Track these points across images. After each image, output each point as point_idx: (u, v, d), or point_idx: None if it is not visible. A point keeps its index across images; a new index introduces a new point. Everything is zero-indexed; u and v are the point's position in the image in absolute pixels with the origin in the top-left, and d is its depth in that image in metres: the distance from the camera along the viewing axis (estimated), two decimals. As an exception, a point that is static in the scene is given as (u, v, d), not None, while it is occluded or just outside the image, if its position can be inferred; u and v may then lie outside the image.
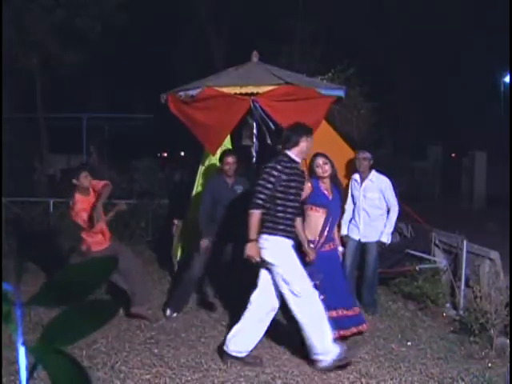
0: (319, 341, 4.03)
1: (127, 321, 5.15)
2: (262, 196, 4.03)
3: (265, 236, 4.10)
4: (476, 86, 19.91)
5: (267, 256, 4.08)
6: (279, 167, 4.06)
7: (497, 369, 4.22)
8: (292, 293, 4.03)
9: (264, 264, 4.14)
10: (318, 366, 4.09)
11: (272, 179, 4.03)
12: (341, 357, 4.04)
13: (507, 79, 22.40)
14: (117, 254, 5.11)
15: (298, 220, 4.40)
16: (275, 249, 4.11)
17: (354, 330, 4.70)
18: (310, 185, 4.73)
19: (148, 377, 3.98)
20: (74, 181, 5.13)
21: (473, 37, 18.77)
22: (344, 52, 11.50)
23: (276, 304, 4.23)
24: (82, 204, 5.12)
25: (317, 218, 4.73)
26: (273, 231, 4.10)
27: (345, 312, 4.66)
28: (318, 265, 4.53)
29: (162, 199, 8.91)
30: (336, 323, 4.41)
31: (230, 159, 5.37)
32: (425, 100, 20.51)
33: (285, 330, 4.75)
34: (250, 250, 4.04)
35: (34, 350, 0.74)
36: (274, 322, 4.38)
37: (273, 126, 5.87)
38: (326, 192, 4.76)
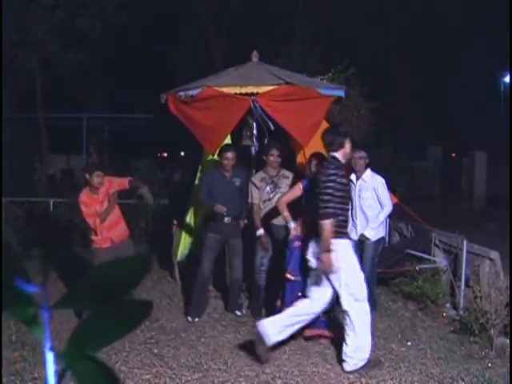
0: (359, 345, 4.13)
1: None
2: (331, 205, 4.10)
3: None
4: (476, 85, 19.91)
5: (333, 260, 4.13)
6: (340, 173, 4.16)
7: (497, 369, 4.22)
8: (351, 295, 4.12)
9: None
10: (346, 367, 4.17)
11: (338, 186, 4.12)
12: (367, 363, 4.17)
13: (507, 79, 22.40)
14: (119, 254, 5.11)
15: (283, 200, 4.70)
16: (341, 252, 4.15)
17: (320, 332, 4.68)
18: (301, 187, 4.75)
19: (148, 377, 3.98)
20: (87, 175, 5.16)
21: (473, 37, 18.77)
22: (344, 52, 11.49)
23: (322, 308, 4.33)
24: (88, 208, 5.14)
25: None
26: (337, 235, 4.15)
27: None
28: (304, 263, 4.55)
29: (162, 199, 8.90)
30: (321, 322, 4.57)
31: (230, 154, 5.35)
32: (425, 100, 20.51)
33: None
34: (329, 260, 4.05)
35: (63, 356, 0.69)
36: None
37: (272, 127, 5.87)
38: None
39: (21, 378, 3.92)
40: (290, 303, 4.54)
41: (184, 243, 6.40)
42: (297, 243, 4.66)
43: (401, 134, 19.89)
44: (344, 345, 4.18)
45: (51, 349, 0.69)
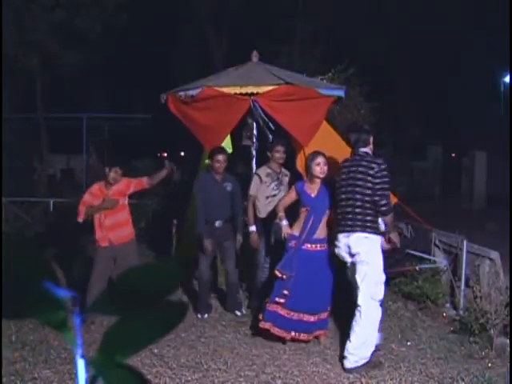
0: (364, 342, 4.17)
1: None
2: (389, 200, 4.30)
3: (366, 235, 4.24)
4: (476, 85, 19.90)
5: (365, 255, 4.23)
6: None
7: (497, 369, 4.22)
8: (368, 292, 4.19)
9: (353, 260, 4.33)
10: (346, 364, 4.19)
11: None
12: (368, 362, 4.21)
13: (507, 79, 22.39)
14: (119, 256, 5.12)
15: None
16: (374, 248, 4.27)
17: (308, 336, 4.67)
18: (295, 190, 4.79)
19: (148, 377, 3.98)
20: (106, 169, 5.20)
21: (473, 37, 18.76)
22: (344, 52, 11.48)
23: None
24: (90, 197, 5.21)
25: (301, 217, 4.74)
26: (374, 230, 4.28)
27: (306, 317, 4.61)
28: (296, 262, 4.55)
29: (162, 199, 8.90)
30: (292, 325, 4.57)
31: (221, 157, 5.31)
32: (425, 100, 20.49)
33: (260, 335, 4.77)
34: (397, 237, 4.51)
35: (94, 363, 0.65)
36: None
37: (273, 127, 5.87)
38: (309, 191, 4.73)
39: (21, 378, 3.92)
40: (274, 298, 4.56)
41: (184, 243, 6.40)
42: (293, 242, 4.66)
43: (401, 134, 19.85)
44: (348, 342, 4.19)
45: (82, 355, 0.66)
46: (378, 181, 4.21)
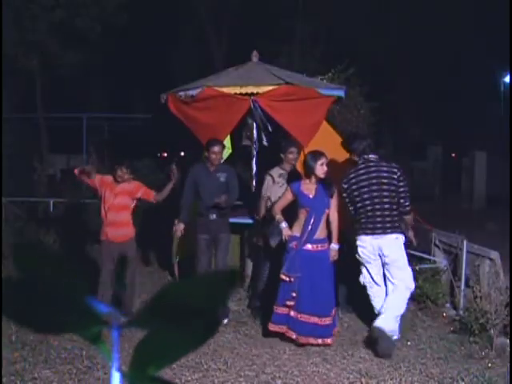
0: (394, 321, 4.63)
1: (127, 321, 5.15)
2: None
3: (396, 235, 4.70)
4: (476, 85, 19.89)
5: (397, 254, 4.69)
6: None
7: (497, 369, 4.22)
8: (405, 283, 4.68)
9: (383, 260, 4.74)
10: (379, 322, 4.56)
11: None
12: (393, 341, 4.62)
13: (507, 79, 22.39)
14: (116, 254, 5.13)
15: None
16: (402, 246, 4.76)
17: (318, 341, 4.62)
18: (290, 192, 4.78)
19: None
20: (116, 166, 5.30)
21: (473, 37, 18.75)
22: (344, 52, 11.48)
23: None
24: (100, 183, 5.32)
25: (301, 218, 4.75)
26: (401, 230, 4.81)
27: (316, 320, 4.59)
28: (299, 262, 4.55)
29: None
30: (301, 327, 4.55)
31: (217, 148, 5.28)
32: (425, 100, 20.48)
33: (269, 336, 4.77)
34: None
35: (128, 377, 0.63)
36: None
37: (270, 128, 5.87)
38: (306, 192, 4.72)
39: (21, 378, 3.92)
40: (283, 301, 4.56)
41: (184, 243, 6.39)
42: (294, 243, 4.65)
43: (401, 134, 19.86)
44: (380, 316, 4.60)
45: (118, 369, 0.64)
46: (401, 184, 4.74)
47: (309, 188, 4.73)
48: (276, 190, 5.39)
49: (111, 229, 5.25)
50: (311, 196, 4.70)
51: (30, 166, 12.75)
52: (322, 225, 4.70)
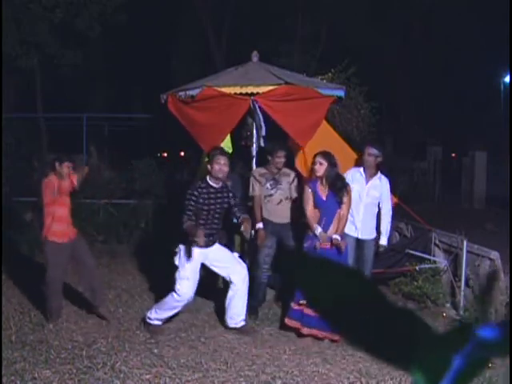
0: None
1: (127, 321, 5.16)
2: None
3: None
4: (476, 86, 19.90)
5: None
6: None
7: (497, 369, 4.22)
8: None
9: None
10: None
11: None
12: None
13: (507, 79, 22.39)
14: (78, 250, 5.13)
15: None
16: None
17: (328, 335, 4.64)
18: (310, 190, 4.87)
19: (148, 377, 3.98)
20: (57, 164, 5.31)
21: (473, 37, 18.76)
22: (344, 52, 11.48)
23: None
24: (60, 188, 5.30)
25: (315, 218, 4.88)
26: None
27: None
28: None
29: (162, 199, 8.89)
30: (312, 321, 4.55)
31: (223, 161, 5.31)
32: (425, 100, 20.49)
33: (285, 330, 4.77)
34: None
35: None
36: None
37: (265, 131, 5.86)
38: (321, 193, 4.86)
39: (21, 378, 3.92)
40: (299, 300, 4.57)
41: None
42: (309, 242, 4.79)
43: (401, 134, 19.85)
44: None
45: None
46: None
47: (322, 189, 4.88)
48: (260, 188, 5.54)
49: (69, 227, 5.24)
50: (324, 198, 4.87)
51: (30, 166, 12.74)
52: (333, 224, 4.86)
